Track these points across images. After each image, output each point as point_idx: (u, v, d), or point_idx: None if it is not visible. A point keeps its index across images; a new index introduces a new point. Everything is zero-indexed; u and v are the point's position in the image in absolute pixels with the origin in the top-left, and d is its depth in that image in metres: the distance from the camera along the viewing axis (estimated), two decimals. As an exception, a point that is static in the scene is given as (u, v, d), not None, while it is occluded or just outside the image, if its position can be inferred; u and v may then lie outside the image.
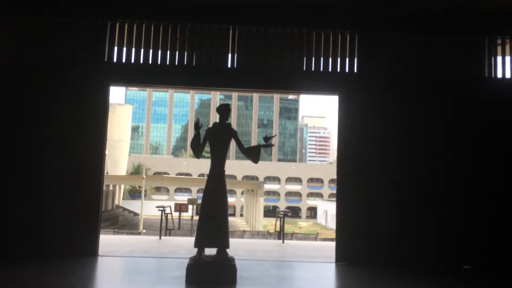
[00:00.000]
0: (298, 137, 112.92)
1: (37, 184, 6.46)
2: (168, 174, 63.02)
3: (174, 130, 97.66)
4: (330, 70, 6.93)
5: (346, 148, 6.77)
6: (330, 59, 6.91)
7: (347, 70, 6.91)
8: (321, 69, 6.92)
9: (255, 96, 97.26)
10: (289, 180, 75.67)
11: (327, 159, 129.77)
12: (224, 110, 5.61)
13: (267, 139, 5.56)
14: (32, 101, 6.57)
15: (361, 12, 6.74)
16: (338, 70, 6.92)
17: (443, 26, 6.75)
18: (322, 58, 6.90)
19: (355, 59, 6.89)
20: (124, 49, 6.86)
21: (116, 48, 6.84)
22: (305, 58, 6.90)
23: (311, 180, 75.77)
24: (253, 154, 5.66)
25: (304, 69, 6.90)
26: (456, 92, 6.74)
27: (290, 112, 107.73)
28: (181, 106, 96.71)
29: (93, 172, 6.61)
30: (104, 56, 6.77)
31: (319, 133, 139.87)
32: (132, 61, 6.86)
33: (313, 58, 6.91)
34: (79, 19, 6.66)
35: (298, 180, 75.45)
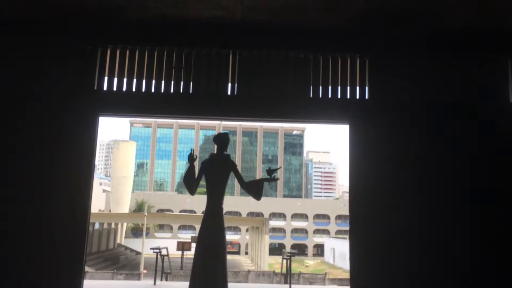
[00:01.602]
0: (304, 173, 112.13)
1: (15, 223, 5.77)
2: (172, 211, 62.06)
3: (179, 166, 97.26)
4: (339, 96, 6.34)
5: (359, 183, 6.09)
6: (339, 84, 6.33)
7: (357, 97, 6.32)
8: (329, 96, 6.33)
9: (260, 131, 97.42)
10: (295, 216, 74.41)
11: (333, 195, 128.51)
12: (221, 139, 5.02)
13: (271, 172, 4.90)
14: (13, 132, 5.98)
15: (370, 35, 6.21)
16: (348, 96, 6.33)
17: (461, 48, 6.20)
18: (330, 84, 6.33)
19: (366, 85, 6.31)
20: (116, 76, 6.32)
21: (107, 75, 6.30)
22: (311, 84, 6.33)
23: (317, 216, 74.45)
24: (254, 189, 5.00)
25: (311, 95, 6.32)
26: (477, 119, 6.11)
27: (295, 147, 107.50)
28: (186, 142, 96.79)
29: (77, 211, 5.93)
30: (94, 85, 6.24)
31: (325, 168, 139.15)
32: (124, 89, 6.31)
33: (320, 84, 6.33)
34: (66, 43, 6.15)
35: (304, 217, 74.12)
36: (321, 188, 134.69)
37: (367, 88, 6.31)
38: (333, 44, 6.31)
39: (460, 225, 5.88)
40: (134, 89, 6.30)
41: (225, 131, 5.12)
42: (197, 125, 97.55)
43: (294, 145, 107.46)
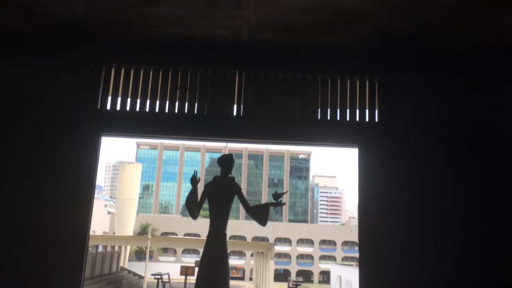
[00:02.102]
0: (309, 197, 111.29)
1: (10, 245, 5.56)
2: (176, 234, 61.49)
3: (184, 188, 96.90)
4: (348, 119, 6.15)
5: (369, 208, 5.83)
6: (348, 106, 6.15)
7: (367, 119, 6.13)
8: (338, 118, 6.15)
9: (266, 154, 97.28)
10: (301, 241, 73.41)
11: (339, 220, 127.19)
12: (226, 161, 4.86)
13: (278, 196, 4.68)
14: (12, 150, 5.83)
15: (379, 56, 6.07)
16: (357, 119, 6.14)
17: (473, 69, 6.02)
18: (338, 106, 6.15)
19: (376, 106, 6.12)
20: (120, 95, 6.20)
21: (110, 95, 6.18)
22: (319, 105, 6.16)
23: (323, 242, 73.38)
24: (260, 214, 4.78)
25: (319, 117, 6.14)
26: (494, 140, 5.88)
27: (300, 171, 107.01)
28: (192, 164, 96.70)
29: (76, 234, 5.71)
30: (97, 103, 6.11)
31: (331, 193, 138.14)
32: (128, 108, 6.17)
33: (329, 106, 6.16)
34: (70, 61, 6.06)
35: (309, 242, 73.09)
36: (327, 213, 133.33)
37: (376, 110, 6.13)
38: (342, 66, 6.17)
39: (479, 257, 5.57)
40: (137, 109, 6.16)
41: (229, 153, 4.92)
42: (203, 148, 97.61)
43: (300, 169, 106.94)
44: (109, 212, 69.50)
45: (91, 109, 6.05)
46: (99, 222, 62.19)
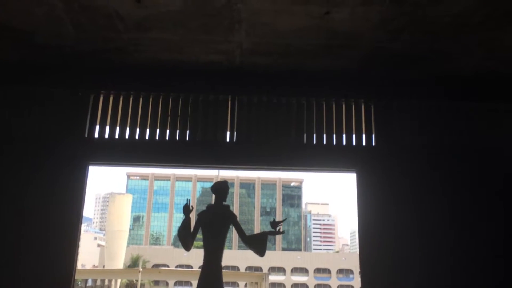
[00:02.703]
0: (302, 225, 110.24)
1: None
2: (168, 266, 60.10)
3: (175, 219, 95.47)
4: (344, 143, 6.00)
5: (370, 233, 5.62)
6: (344, 130, 6.01)
7: (364, 143, 5.99)
8: (334, 143, 5.99)
9: (257, 182, 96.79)
10: (295, 270, 72.17)
11: (333, 248, 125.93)
12: (221, 188, 4.63)
13: (276, 224, 4.44)
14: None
15: (375, 80, 5.98)
16: (354, 143, 5.99)
17: (470, 93, 5.95)
18: (334, 130, 6.01)
19: (372, 131, 5.99)
20: (108, 123, 6.00)
21: (98, 122, 5.98)
22: (315, 130, 6.01)
23: (317, 270, 72.19)
24: (257, 244, 4.52)
25: (315, 143, 5.97)
26: (492, 163, 5.76)
27: (293, 199, 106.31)
28: (183, 194, 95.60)
29: (62, 268, 5.39)
30: (85, 132, 5.89)
31: (323, 220, 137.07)
32: (116, 136, 5.97)
33: (324, 131, 6.01)
34: (57, 88, 5.89)
35: (304, 271, 71.88)
36: (320, 241, 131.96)
37: (373, 134, 5.99)
38: (336, 90, 6.06)
39: (488, 279, 5.35)
40: (127, 137, 5.95)
41: (223, 180, 4.69)
42: (194, 177, 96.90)
43: (292, 196, 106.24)
44: (98, 245, 68.05)
45: (78, 137, 5.83)
46: (89, 255, 60.71)
